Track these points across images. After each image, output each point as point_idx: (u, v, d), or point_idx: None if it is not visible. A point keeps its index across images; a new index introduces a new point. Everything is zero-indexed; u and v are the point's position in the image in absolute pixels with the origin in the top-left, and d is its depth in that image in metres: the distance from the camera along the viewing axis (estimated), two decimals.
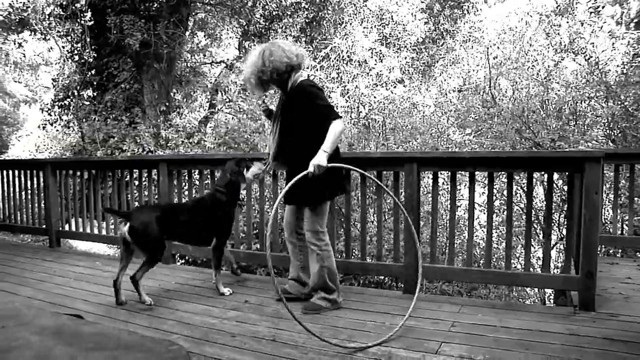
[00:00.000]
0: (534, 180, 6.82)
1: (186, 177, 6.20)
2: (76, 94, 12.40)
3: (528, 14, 12.90)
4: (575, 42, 10.05)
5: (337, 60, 12.73)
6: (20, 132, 24.20)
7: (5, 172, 6.89)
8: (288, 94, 3.53)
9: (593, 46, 9.61)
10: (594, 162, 3.29)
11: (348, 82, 12.88)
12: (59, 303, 3.83)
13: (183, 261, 7.72)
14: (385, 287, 7.51)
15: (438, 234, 6.54)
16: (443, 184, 8.58)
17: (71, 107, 12.77)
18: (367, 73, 13.11)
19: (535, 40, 12.40)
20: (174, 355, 1.84)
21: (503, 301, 7.68)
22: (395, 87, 13.52)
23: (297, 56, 3.49)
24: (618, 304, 3.51)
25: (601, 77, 8.71)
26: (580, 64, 10.16)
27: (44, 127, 13.29)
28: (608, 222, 6.09)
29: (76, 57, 12.60)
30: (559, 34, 11.21)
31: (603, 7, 9.95)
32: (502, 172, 6.14)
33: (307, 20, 12.77)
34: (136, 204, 6.02)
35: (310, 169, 3.23)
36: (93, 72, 12.16)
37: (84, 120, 11.57)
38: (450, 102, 13.27)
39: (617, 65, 9.26)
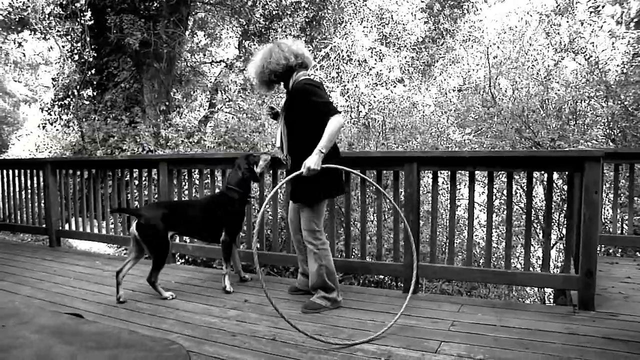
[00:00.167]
0: (534, 179, 6.82)
1: (186, 177, 6.21)
2: (76, 93, 12.40)
3: (528, 13, 12.90)
4: (575, 41, 10.06)
5: (337, 59, 12.73)
6: (20, 132, 24.22)
7: (5, 171, 6.90)
8: (289, 93, 3.56)
9: (593, 46, 9.61)
10: (593, 162, 3.29)
11: (348, 82, 12.88)
12: (58, 302, 3.83)
13: (183, 260, 7.71)
14: (386, 287, 7.51)
15: (438, 233, 6.54)
16: (443, 183, 8.58)
17: (71, 107, 12.77)
18: (367, 72, 13.12)
19: (535, 39, 12.40)
20: (174, 354, 1.84)
21: (503, 300, 7.68)
22: (395, 86, 13.52)
23: (297, 56, 3.51)
24: (618, 303, 3.51)
25: (601, 77, 8.71)
26: (580, 64, 10.17)
27: (43, 127, 13.29)
28: (608, 222, 6.09)
29: (76, 57, 12.60)
30: (558, 33, 11.21)
31: (603, 7, 9.95)
32: (502, 172, 6.15)
33: (307, 20, 12.76)
34: (136, 203, 6.03)
35: (302, 169, 3.28)
36: (93, 71, 12.17)
37: (84, 119, 11.57)
38: (450, 101, 13.27)
39: (617, 65, 9.26)
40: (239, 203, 4.15)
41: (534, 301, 8.86)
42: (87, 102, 12.56)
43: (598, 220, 3.41)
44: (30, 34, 12.38)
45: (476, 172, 4.15)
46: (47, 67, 19.61)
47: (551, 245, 6.87)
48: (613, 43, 9.52)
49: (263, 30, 12.40)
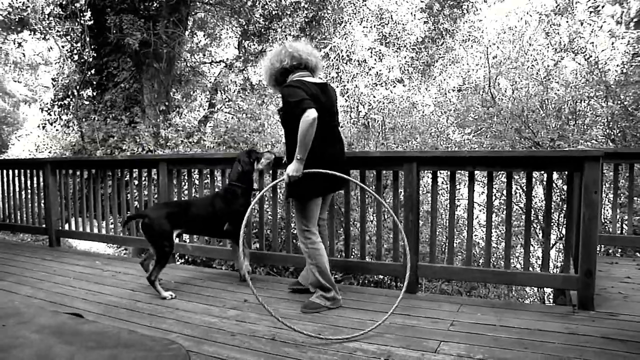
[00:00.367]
0: (534, 179, 6.82)
1: (186, 177, 6.21)
2: (76, 93, 12.40)
3: (527, 13, 12.90)
4: (575, 41, 10.07)
5: (337, 59, 12.73)
6: (20, 132, 24.22)
7: (5, 171, 6.90)
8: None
9: (593, 45, 9.62)
10: (593, 162, 3.29)
11: (347, 82, 12.88)
12: (58, 302, 3.83)
13: (183, 260, 7.72)
14: (385, 287, 7.52)
15: (438, 233, 6.54)
16: (442, 183, 8.59)
17: (71, 107, 12.77)
18: (367, 72, 13.12)
19: (534, 39, 12.41)
20: (174, 354, 1.84)
21: (502, 300, 7.69)
22: (394, 86, 13.52)
23: (293, 58, 3.54)
24: (617, 303, 3.51)
25: (601, 77, 8.72)
26: (579, 64, 10.17)
27: (43, 127, 13.30)
28: (607, 222, 6.09)
29: (76, 57, 12.60)
30: (558, 33, 11.21)
31: (603, 7, 9.95)
32: (502, 172, 6.15)
33: (306, 20, 12.76)
34: (136, 203, 6.03)
35: (284, 176, 3.44)
36: (93, 71, 12.17)
37: (84, 119, 11.58)
38: (450, 101, 13.28)
39: (617, 65, 9.26)
40: (241, 198, 4.17)
41: (533, 301, 8.87)
42: (87, 102, 12.56)
43: (597, 220, 3.41)
44: (30, 34, 12.38)
45: (476, 172, 4.15)
46: (47, 67, 19.61)
47: (551, 245, 6.88)
48: (613, 43, 9.53)
49: (263, 30, 12.40)
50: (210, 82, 13.89)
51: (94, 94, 12.61)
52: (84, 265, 5.18)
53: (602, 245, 6.51)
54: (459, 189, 8.60)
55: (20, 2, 11.17)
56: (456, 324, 3.19)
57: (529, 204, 3.96)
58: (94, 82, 12.35)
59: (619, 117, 8.22)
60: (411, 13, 13.63)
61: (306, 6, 12.50)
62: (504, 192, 7.16)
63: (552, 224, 7.93)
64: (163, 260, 3.96)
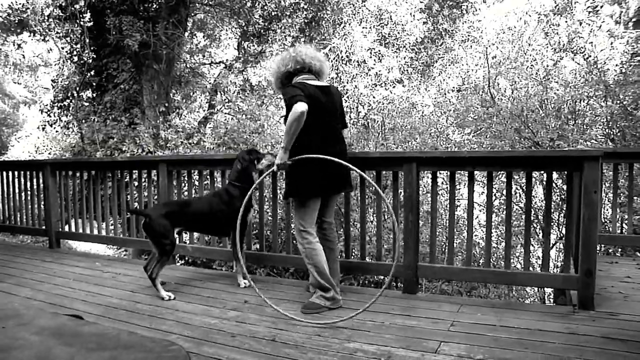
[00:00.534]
0: (533, 179, 6.82)
1: (186, 178, 6.21)
2: (75, 95, 12.41)
3: (527, 13, 12.92)
4: (574, 41, 10.08)
5: (336, 60, 12.74)
6: (19, 133, 24.21)
7: (4, 173, 6.90)
8: None
9: (592, 45, 9.63)
10: (592, 161, 3.30)
11: (347, 82, 12.89)
12: (58, 303, 3.83)
13: (183, 262, 7.72)
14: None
15: (437, 233, 6.54)
16: (442, 183, 8.59)
17: (70, 108, 12.78)
18: (366, 73, 13.12)
19: (534, 39, 12.43)
20: (174, 355, 1.85)
21: (502, 300, 7.69)
22: (394, 87, 13.53)
23: (297, 62, 3.62)
24: (617, 303, 3.51)
25: (600, 77, 8.72)
26: (579, 64, 10.18)
27: (43, 128, 13.30)
28: (607, 221, 6.09)
29: (75, 58, 12.61)
30: (557, 33, 11.23)
31: (602, 7, 9.97)
32: (501, 172, 6.16)
33: (306, 21, 12.77)
34: (136, 204, 6.03)
35: (273, 167, 3.63)
36: (92, 73, 12.17)
37: (84, 121, 11.58)
38: (449, 101, 13.29)
39: (616, 65, 9.27)
40: (239, 198, 4.15)
41: (533, 301, 8.87)
42: (87, 104, 12.57)
43: (597, 220, 3.41)
44: (29, 36, 12.38)
45: (475, 172, 4.16)
46: (47, 69, 19.62)
47: (551, 245, 6.88)
48: (612, 43, 9.54)
49: (262, 31, 12.40)
50: (209, 83, 13.89)
51: (94, 95, 12.61)
52: (84, 266, 5.18)
53: (602, 245, 6.51)
54: (459, 189, 8.60)
55: (20, 3, 11.18)
56: (456, 324, 3.19)
57: (528, 203, 3.96)
58: (94, 84, 12.36)
59: (618, 117, 8.23)
60: (410, 13, 13.63)
61: (305, 7, 12.51)
62: (504, 192, 7.16)
63: (552, 223, 7.93)
64: (164, 257, 4.01)
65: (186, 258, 7.67)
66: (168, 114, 11.31)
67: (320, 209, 3.72)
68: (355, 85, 12.78)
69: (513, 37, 13.17)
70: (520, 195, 8.73)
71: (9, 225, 7.06)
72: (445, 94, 14.19)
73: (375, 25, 13.50)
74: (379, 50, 13.31)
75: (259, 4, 12.04)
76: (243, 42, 13.24)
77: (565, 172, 4.07)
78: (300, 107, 3.24)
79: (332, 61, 12.70)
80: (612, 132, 8.54)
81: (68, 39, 12.64)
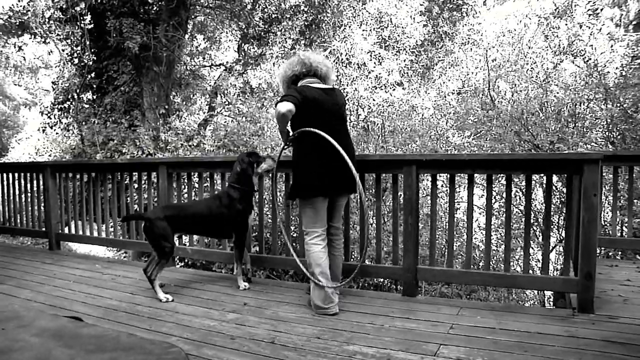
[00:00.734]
0: (533, 182, 6.82)
1: (185, 180, 6.21)
2: (76, 97, 12.43)
3: (527, 16, 12.95)
4: (574, 44, 10.09)
5: (336, 63, 12.76)
6: (20, 135, 24.23)
7: (5, 174, 6.90)
8: None
9: (592, 48, 9.63)
10: (592, 164, 3.30)
11: (347, 85, 12.90)
12: (58, 305, 3.83)
13: (182, 264, 7.72)
14: (385, 290, 7.52)
15: (437, 236, 6.54)
16: (442, 186, 8.59)
17: (71, 110, 12.80)
18: (366, 76, 13.14)
19: (534, 42, 12.44)
20: (173, 358, 1.85)
21: (502, 303, 7.69)
22: (394, 89, 13.55)
23: (304, 65, 3.69)
24: (617, 306, 3.51)
25: (600, 79, 8.72)
26: (579, 66, 10.19)
27: (43, 130, 13.31)
28: (607, 224, 6.10)
29: (76, 60, 12.64)
30: (557, 36, 11.24)
31: (602, 9, 9.99)
32: (501, 174, 6.14)
33: (306, 23, 12.79)
34: (136, 207, 6.03)
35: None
36: (93, 75, 12.19)
37: (84, 123, 11.60)
38: (449, 104, 13.28)
39: (616, 68, 9.27)
40: (239, 200, 4.18)
41: (533, 304, 8.86)
42: (87, 106, 12.59)
43: (597, 223, 3.41)
44: (30, 38, 12.42)
45: (475, 174, 4.15)
46: (47, 71, 19.66)
47: (550, 248, 6.88)
48: (612, 45, 9.55)
49: (262, 33, 12.42)
50: (210, 86, 13.91)
51: (94, 97, 12.63)
52: (84, 268, 5.18)
53: (602, 248, 6.51)
54: (459, 191, 8.60)
55: (20, 6, 11.20)
56: (456, 327, 3.19)
57: (528, 206, 3.96)
58: (94, 86, 12.38)
59: (619, 120, 8.23)
60: (410, 16, 13.65)
61: (306, 10, 12.53)
62: (504, 194, 7.17)
63: (551, 226, 7.93)
64: (163, 260, 4.02)
65: (186, 260, 7.67)
66: (168, 116, 11.32)
67: (327, 213, 3.73)
68: (355, 88, 12.79)
69: (513, 39, 13.19)
70: (520, 198, 8.72)
71: (9, 227, 7.06)
72: (445, 96, 14.19)
73: (376, 28, 13.52)
74: (379, 53, 13.32)
75: (259, 7, 12.06)
76: (243, 44, 13.27)
77: (565, 175, 4.07)
78: (281, 106, 3.34)
79: (332, 64, 12.70)
80: (612, 135, 8.54)
81: (68, 41, 12.67)
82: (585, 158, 3.37)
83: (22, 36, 12.32)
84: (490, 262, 4.40)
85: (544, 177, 3.94)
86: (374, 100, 13.02)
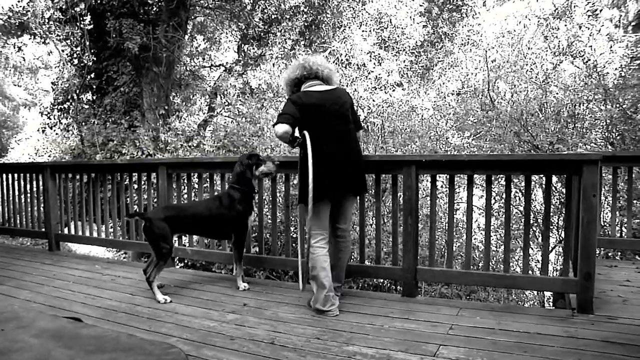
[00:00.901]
0: (533, 182, 6.82)
1: (185, 181, 6.21)
2: (75, 97, 12.42)
3: (526, 17, 12.96)
4: (574, 45, 10.09)
5: (336, 63, 12.75)
6: (19, 136, 24.22)
7: (4, 175, 6.89)
8: None
9: (591, 49, 9.64)
10: (591, 165, 3.30)
11: (347, 86, 12.89)
12: (58, 306, 3.83)
13: (182, 264, 7.72)
14: (384, 290, 7.52)
15: (437, 236, 6.54)
16: (442, 186, 8.59)
17: (70, 111, 12.80)
18: (366, 76, 13.14)
19: (533, 43, 12.45)
20: (173, 358, 1.85)
21: (502, 304, 7.69)
22: (394, 90, 13.55)
23: (305, 68, 3.74)
24: (616, 306, 3.51)
25: (599, 80, 8.73)
26: (578, 67, 10.19)
27: (43, 131, 13.30)
28: (607, 225, 6.10)
29: (75, 61, 12.63)
30: (557, 37, 11.24)
31: (601, 10, 10.00)
32: (501, 175, 6.15)
33: (305, 24, 12.79)
34: (135, 207, 6.03)
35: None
36: (92, 75, 12.19)
37: (84, 123, 11.59)
38: (449, 105, 13.30)
39: (616, 68, 9.28)
40: (239, 201, 4.19)
41: (533, 304, 8.86)
42: (87, 106, 12.59)
43: (596, 224, 3.42)
44: (30, 38, 12.40)
45: (475, 175, 4.16)
46: (47, 71, 19.66)
47: (550, 248, 6.88)
48: (611, 46, 9.56)
49: (262, 34, 12.41)
50: (209, 86, 13.90)
51: (94, 97, 12.63)
52: (84, 269, 5.18)
53: (602, 249, 6.51)
54: (458, 192, 8.60)
55: (20, 6, 11.19)
56: (455, 328, 3.19)
57: (528, 207, 3.96)
58: (94, 86, 12.38)
59: (618, 120, 8.23)
60: (410, 17, 13.65)
61: (305, 10, 12.52)
62: (503, 195, 7.18)
63: (551, 227, 7.94)
64: (161, 261, 4.03)
65: (185, 261, 7.67)
66: (168, 116, 11.32)
67: (332, 214, 3.75)
68: (355, 89, 12.78)
69: (513, 40, 13.20)
70: (519, 199, 8.73)
71: (8, 228, 7.06)
72: (444, 97, 14.19)
73: (375, 29, 13.52)
74: (379, 54, 13.33)
75: (259, 7, 12.05)
76: (243, 45, 13.26)
77: (565, 176, 4.07)
78: (278, 129, 3.50)
79: (331, 64, 12.69)
80: (611, 136, 8.54)
81: (68, 41, 12.66)
82: (585, 159, 3.38)
83: (22, 36, 12.30)
84: (490, 263, 4.40)
85: (544, 178, 3.94)
86: (373, 101, 13.01)
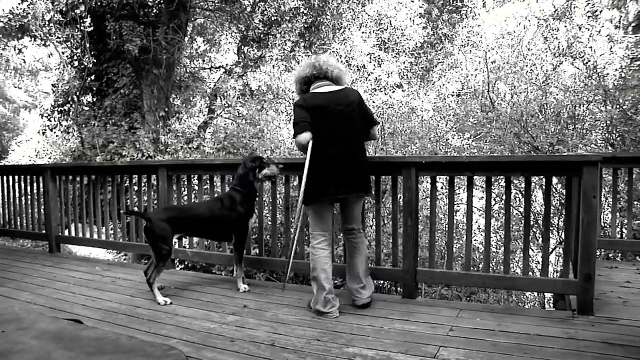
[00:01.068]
0: (533, 184, 6.82)
1: (185, 182, 6.21)
2: (76, 99, 12.43)
3: (526, 18, 12.95)
4: (574, 46, 10.09)
5: None
6: (20, 138, 24.24)
7: (5, 177, 6.91)
8: None
9: (591, 50, 9.63)
10: (591, 166, 3.30)
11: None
12: (58, 308, 3.83)
13: (182, 266, 7.72)
14: (384, 292, 7.52)
15: (437, 238, 6.54)
16: (442, 188, 8.59)
17: (71, 113, 12.80)
18: (366, 78, 13.15)
19: (533, 44, 12.44)
20: None
21: (502, 305, 7.68)
22: (393, 91, 13.56)
23: (314, 68, 3.76)
24: (617, 307, 3.51)
25: (599, 81, 8.72)
26: (578, 68, 10.19)
27: (43, 133, 13.32)
28: (607, 226, 6.10)
29: (76, 63, 12.63)
30: (557, 38, 11.24)
31: (601, 11, 10.00)
32: (501, 176, 6.16)
33: (305, 26, 12.79)
34: (135, 209, 6.03)
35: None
36: (92, 77, 12.21)
37: (84, 125, 11.60)
38: (449, 106, 13.29)
39: (616, 69, 9.27)
40: (241, 203, 4.20)
41: (533, 306, 8.85)
42: (87, 108, 12.60)
43: (596, 225, 3.41)
44: (30, 41, 12.40)
45: (475, 176, 4.16)
46: (47, 74, 19.67)
47: (550, 249, 6.88)
48: (611, 47, 9.55)
49: (262, 36, 12.42)
50: (209, 88, 13.91)
51: (94, 99, 12.64)
52: (84, 271, 5.18)
53: (602, 250, 6.50)
54: (458, 193, 8.60)
55: (20, 8, 11.20)
56: (455, 329, 3.19)
57: (528, 208, 3.96)
58: (94, 88, 12.39)
59: (618, 122, 8.22)
60: (410, 18, 13.67)
61: (305, 12, 12.53)
62: (503, 196, 7.18)
63: (551, 228, 7.93)
64: (161, 263, 4.03)
65: (185, 262, 7.66)
66: (168, 118, 11.33)
67: (342, 216, 3.81)
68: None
69: (512, 41, 13.19)
70: (519, 200, 8.72)
71: (9, 230, 7.07)
72: (444, 98, 14.20)
73: (375, 30, 13.54)
74: (379, 55, 13.35)
75: (258, 9, 12.06)
76: (243, 46, 13.27)
77: (565, 177, 4.07)
78: (302, 139, 3.54)
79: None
80: (611, 137, 8.54)
81: (68, 43, 12.67)
82: (585, 160, 3.38)
83: (22, 39, 12.30)
84: (490, 264, 4.40)
85: (544, 179, 3.94)
86: (373, 102, 13.01)
